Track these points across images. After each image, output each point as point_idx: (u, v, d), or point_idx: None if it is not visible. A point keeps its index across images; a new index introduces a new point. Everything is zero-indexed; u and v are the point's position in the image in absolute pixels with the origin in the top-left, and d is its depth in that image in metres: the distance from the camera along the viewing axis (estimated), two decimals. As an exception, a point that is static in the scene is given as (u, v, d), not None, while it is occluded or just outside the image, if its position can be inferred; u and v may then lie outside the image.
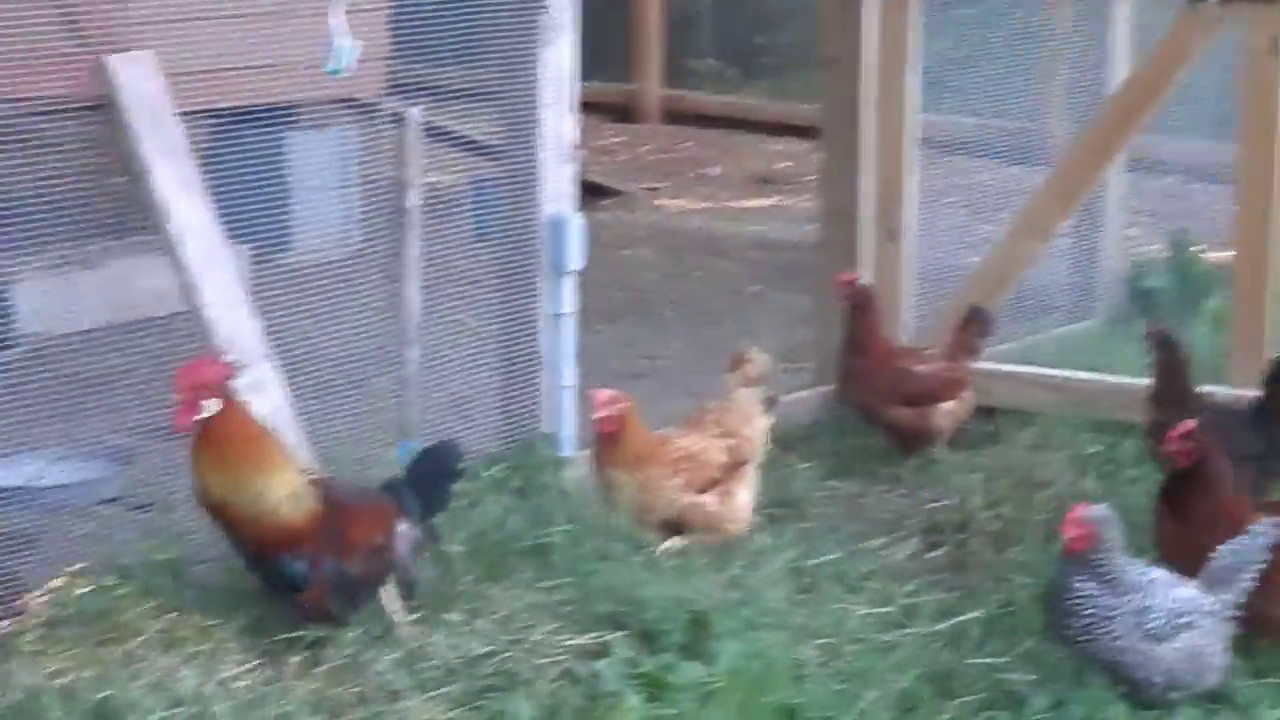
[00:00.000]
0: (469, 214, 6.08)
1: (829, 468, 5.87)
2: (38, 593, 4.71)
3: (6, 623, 4.54)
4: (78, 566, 4.70)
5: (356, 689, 4.12)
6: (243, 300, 4.88)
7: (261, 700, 4.00)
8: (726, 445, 5.12)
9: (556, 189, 5.42)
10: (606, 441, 5.02)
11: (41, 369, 6.18)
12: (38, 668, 4.18)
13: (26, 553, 4.86)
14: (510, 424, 5.51)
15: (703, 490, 5.05)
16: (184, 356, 6.52)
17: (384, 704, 4.07)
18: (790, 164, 10.78)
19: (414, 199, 5.26)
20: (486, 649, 4.24)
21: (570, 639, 4.35)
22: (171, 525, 4.86)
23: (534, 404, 5.51)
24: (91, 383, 6.06)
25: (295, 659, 4.23)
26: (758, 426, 5.22)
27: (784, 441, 5.67)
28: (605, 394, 5.04)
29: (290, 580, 4.19)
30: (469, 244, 5.99)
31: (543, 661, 4.23)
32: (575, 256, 5.43)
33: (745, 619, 4.45)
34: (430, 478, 4.48)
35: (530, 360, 5.49)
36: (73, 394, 5.95)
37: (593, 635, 4.37)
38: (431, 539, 4.51)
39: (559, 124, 5.40)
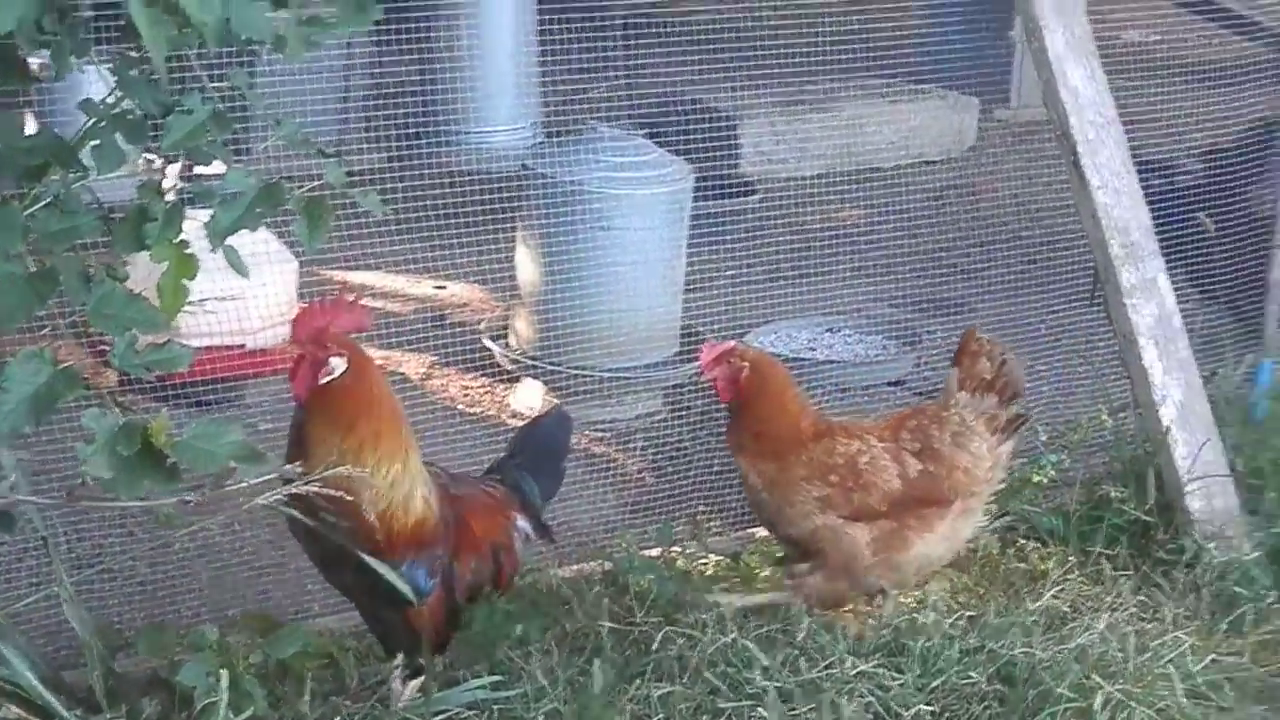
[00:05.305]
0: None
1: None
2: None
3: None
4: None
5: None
6: (1134, 185, 4.25)
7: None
8: (919, 470, 3.70)
9: None
10: (732, 412, 3.75)
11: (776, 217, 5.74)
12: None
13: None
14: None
15: (855, 519, 3.66)
16: (911, 213, 5.97)
17: None
18: None
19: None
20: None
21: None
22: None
23: None
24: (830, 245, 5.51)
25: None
26: (980, 453, 3.74)
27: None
28: (721, 345, 3.73)
29: (409, 587, 3.20)
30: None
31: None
32: None
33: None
34: (542, 456, 3.57)
35: None
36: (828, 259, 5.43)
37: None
38: (544, 535, 3.61)
39: None
